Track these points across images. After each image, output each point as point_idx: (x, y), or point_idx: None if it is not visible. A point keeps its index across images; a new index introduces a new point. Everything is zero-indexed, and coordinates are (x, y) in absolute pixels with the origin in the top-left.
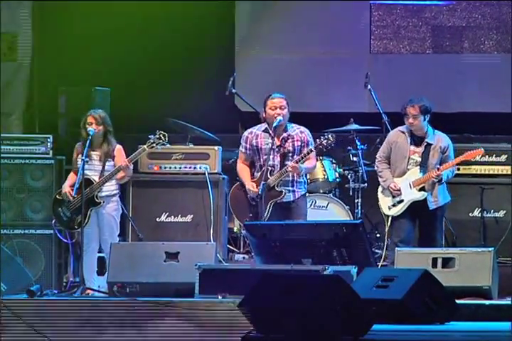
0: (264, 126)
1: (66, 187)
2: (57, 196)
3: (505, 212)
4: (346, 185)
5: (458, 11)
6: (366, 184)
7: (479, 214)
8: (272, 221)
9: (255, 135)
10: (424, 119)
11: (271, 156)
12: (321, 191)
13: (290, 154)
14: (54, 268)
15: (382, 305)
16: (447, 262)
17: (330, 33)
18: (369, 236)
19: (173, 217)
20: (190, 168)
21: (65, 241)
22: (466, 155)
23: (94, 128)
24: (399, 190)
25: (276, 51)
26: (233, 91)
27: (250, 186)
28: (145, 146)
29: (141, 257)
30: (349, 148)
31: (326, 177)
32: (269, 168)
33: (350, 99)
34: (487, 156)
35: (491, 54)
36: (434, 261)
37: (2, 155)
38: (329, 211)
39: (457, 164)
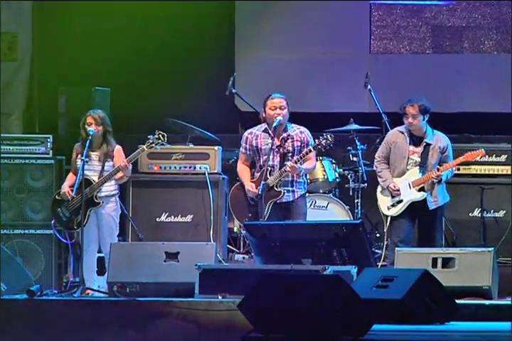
0: (264, 126)
1: (65, 188)
2: (56, 196)
3: (505, 212)
4: (346, 185)
5: (458, 11)
6: (366, 184)
7: (479, 214)
8: (271, 221)
9: (255, 135)
10: (424, 119)
11: (271, 156)
12: (321, 191)
13: (290, 154)
14: (54, 268)
15: (382, 305)
16: (447, 262)
17: (330, 33)
18: (369, 236)
19: (173, 217)
20: (190, 168)
21: (65, 241)
22: (467, 156)
23: (94, 129)
24: (398, 190)
25: (276, 51)
26: (233, 91)
27: (249, 186)
28: (144, 146)
29: (141, 257)
30: (349, 148)
31: (325, 177)
32: (269, 168)
33: (350, 99)
34: (487, 156)
35: (491, 54)
36: (434, 261)
37: (2, 155)
38: (329, 211)
39: (457, 164)
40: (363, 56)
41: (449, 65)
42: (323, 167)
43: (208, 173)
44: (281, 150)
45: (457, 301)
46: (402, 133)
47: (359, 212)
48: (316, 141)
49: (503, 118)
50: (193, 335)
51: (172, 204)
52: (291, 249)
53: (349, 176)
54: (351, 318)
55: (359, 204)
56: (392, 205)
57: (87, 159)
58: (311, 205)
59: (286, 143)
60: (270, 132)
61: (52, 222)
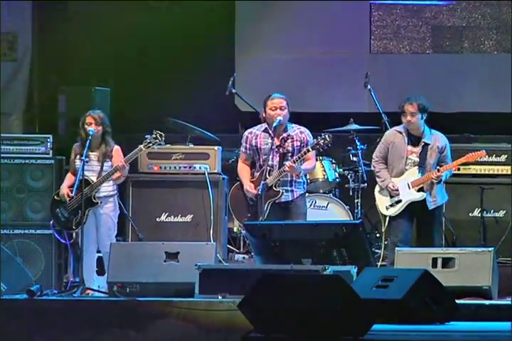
0: (264, 126)
1: (64, 188)
2: (55, 197)
3: (505, 212)
4: (346, 185)
5: (458, 11)
6: (366, 184)
7: (479, 214)
8: (270, 221)
9: (255, 135)
10: (422, 118)
11: (270, 156)
12: (321, 191)
13: (289, 154)
14: (54, 269)
15: (382, 305)
16: (447, 262)
17: (330, 33)
18: (369, 236)
19: (173, 217)
20: (190, 168)
21: (63, 241)
22: (468, 157)
23: (93, 129)
24: (397, 190)
25: (276, 51)
26: (233, 91)
27: (248, 186)
28: (141, 146)
29: (141, 257)
30: (349, 148)
31: (325, 177)
32: (269, 168)
33: (350, 99)
34: (487, 156)
35: (490, 54)
36: (434, 261)
37: (2, 155)
38: (329, 211)
39: (458, 165)
40: (363, 56)
41: (448, 64)
42: (323, 167)
43: (208, 173)
44: (280, 150)
45: (457, 301)
46: (400, 133)
47: (359, 212)
48: (315, 140)
49: (503, 118)
50: (193, 335)
51: (172, 204)
52: (291, 249)
53: (349, 176)
54: (351, 318)
55: (359, 204)
56: (391, 205)
57: (87, 159)
58: (311, 205)
59: (286, 143)
60: (270, 132)
61: (51, 222)
